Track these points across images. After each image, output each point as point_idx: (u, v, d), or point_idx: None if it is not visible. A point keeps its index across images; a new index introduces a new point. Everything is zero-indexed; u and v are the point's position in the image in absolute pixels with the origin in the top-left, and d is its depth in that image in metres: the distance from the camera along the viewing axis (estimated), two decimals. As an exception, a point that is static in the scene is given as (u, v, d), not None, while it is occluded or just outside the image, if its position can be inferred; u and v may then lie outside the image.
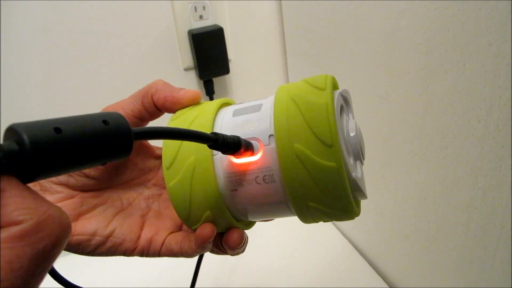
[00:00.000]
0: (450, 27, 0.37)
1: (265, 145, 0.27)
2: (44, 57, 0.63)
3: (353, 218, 0.28)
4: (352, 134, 0.29)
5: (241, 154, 0.27)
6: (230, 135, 0.25)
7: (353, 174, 0.27)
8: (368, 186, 0.32)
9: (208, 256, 0.39)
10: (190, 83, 0.74)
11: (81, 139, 0.17)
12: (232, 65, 0.75)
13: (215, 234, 0.29)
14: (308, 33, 0.65)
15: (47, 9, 0.61)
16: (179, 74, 0.73)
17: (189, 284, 0.43)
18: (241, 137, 0.27)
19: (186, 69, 0.73)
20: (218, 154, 0.28)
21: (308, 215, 0.28)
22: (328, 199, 0.26)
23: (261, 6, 0.74)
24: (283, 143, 0.26)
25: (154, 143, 0.38)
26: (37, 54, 0.62)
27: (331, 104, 0.25)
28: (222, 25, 0.70)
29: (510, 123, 0.34)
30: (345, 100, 0.31)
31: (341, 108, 0.29)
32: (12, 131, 0.15)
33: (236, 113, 0.30)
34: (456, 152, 0.41)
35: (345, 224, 0.70)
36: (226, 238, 0.31)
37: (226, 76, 0.76)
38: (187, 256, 0.32)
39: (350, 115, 0.31)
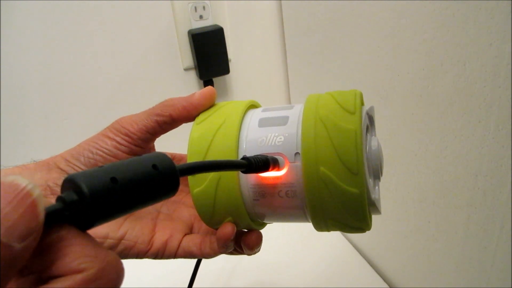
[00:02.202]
0: (450, 27, 0.37)
1: (291, 163, 0.28)
2: (44, 57, 0.63)
3: (365, 232, 0.29)
4: (373, 150, 0.29)
5: (267, 171, 0.27)
6: (260, 157, 0.26)
7: (373, 196, 0.28)
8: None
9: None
10: (190, 83, 0.74)
11: (135, 187, 0.17)
12: (232, 65, 0.75)
13: (235, 232, 0.30)
14: (308, 33, 0.65)
15: (47, 9, 0.61)
16: (179, 74, 0.73)
17: (184, 284, 0.43)
18: (267, 151, 0.28)
19: (186, 69, 0.73)
20: None
21: (324, 227, 0.29)
22: (347, 219, 0.27)
23: (261, 6, 0.74)
24: (310, 165, 0.26)
25: (160, 148, 0.38)
26: (37, 54, 0.62)
27: (360, 132, 0.26)
28: (222, 25, 0.70)
29: (510, 123, 0.34)
30: (370, 119, 0.31)
31: (367, 128, 0.29)
32: (70, 181, 0.16)
33: (262, 124, 0.30)
34: (456, 152, 0.41)
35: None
36: (246, 240, 0.32)
37: (226, 76, 0.76)
38: (208, 257, 0.33)
39: (373, 133, 0.32)
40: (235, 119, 0.30)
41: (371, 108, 0.31)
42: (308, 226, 0.31)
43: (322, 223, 0.28)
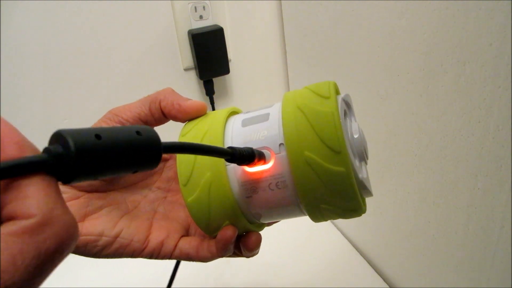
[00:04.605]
0: (450, 27, 0.37)
1: (276, 154, 0.28)
2: (44, 57, 0.63)
3: (361, 215, 0.30)
4: (355, 136, 0.30)
5: (254, 164, 0.28)
6: (244, 148, 0.27)
7: (360, 176, 0.29)
8: (368, 186, 0.32)
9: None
10: (190, 83, 0.74)
11: (118, 145, 0.18)
12: (232, 65, 0.75)
13: (236, 235, 0.30)
14: (308, 33, 0.65)
15: (47, 9, 0.61)
16: (179, 74, 0.73)
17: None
18: (253, 147, 0.28)
19: (186, 69, 0.73)
20: (231, 165, 0.29)
21: (319, 215, 0.30)
22: (339, 201, 0.28)
23: (261, 6, 0.74)
24: (294, 151, 0.27)
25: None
26: (37, 54, 0.62)
27: (337, 112, 0.27)
28: (222, 25, 0.70)
29: (510, 123, 0.34)
30: (347, 105, 0.32)
31: (344, 113, 0.30)
32: (57, 135, 0.17)
33: (245, 123, 0.31)
34: (456, 152, 0.41)
35: (345, 224, 0.70)
36: (245, 242, 0.32)
37: (226, 76, 0.76)
38: (206, 260, 0.32)
39: (353, 118, 0.32)
40: (219, 124, 0.31)
41: (347, 95, 0.32)
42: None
43: (316, 210, 0.29)
